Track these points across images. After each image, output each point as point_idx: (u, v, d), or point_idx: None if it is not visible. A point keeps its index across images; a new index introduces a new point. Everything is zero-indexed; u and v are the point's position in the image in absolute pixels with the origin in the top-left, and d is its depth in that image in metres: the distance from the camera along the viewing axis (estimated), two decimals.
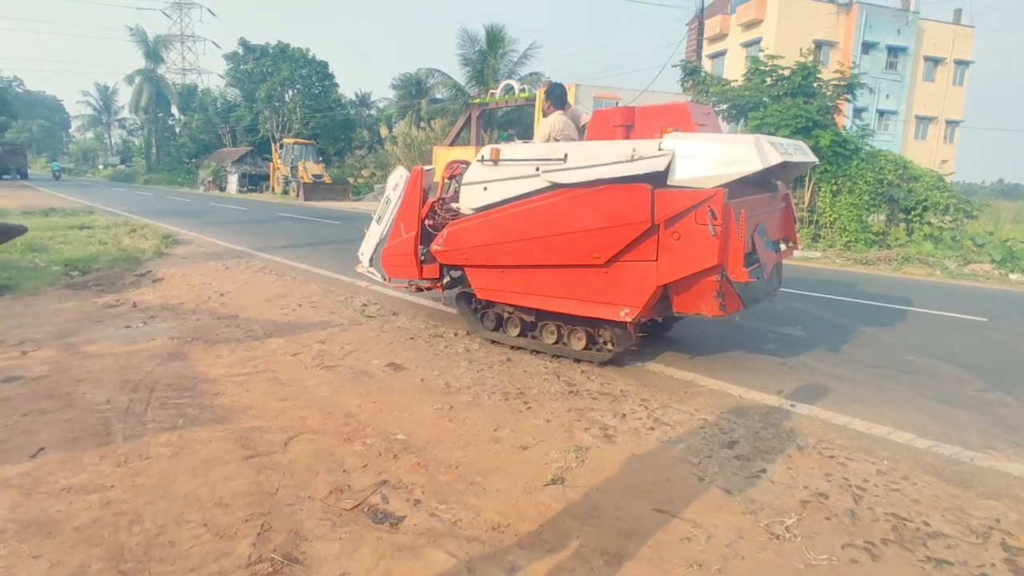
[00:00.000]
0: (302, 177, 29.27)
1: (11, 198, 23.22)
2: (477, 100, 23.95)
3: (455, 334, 5.24)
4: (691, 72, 15.64)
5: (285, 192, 31.73)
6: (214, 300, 6.39)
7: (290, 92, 37.39)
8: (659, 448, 3.23)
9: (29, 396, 3.62)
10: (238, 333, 5.16)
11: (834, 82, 13.46)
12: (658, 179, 3.79)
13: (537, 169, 4.23)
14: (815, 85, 13.48)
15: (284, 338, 5.04)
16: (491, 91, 23.05)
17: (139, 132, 56.87)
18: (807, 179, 13.66)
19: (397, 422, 3.46)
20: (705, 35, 18.07)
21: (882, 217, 13.23)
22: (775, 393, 4.08)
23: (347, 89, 52.71)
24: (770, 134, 13.39)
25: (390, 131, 33.82)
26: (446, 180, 5.17)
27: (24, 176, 42.58)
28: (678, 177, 3.75)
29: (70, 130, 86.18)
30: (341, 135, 38.00)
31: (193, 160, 44.51)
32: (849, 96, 13.48)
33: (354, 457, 3.02)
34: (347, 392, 3.88)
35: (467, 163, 5.00)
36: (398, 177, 5.55)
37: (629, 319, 4.05)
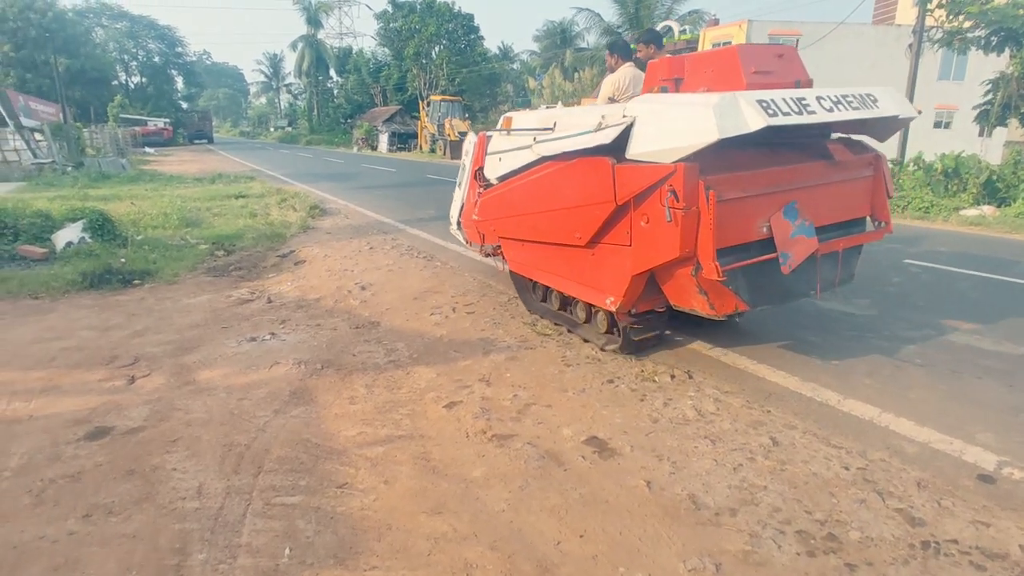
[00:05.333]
0: (448, 135, 28.72)
1: (195, 162, 25.31)
2: (632, 46, 21.31)
3: (671, 377, 3.60)
4: None
5: (432, 150, 31.53)
6: (354, 295, 5.34)
7: (436, 48, 36.99)
8: None
9: (106, 471, 2.63)
10: (378, 355, 3.98)
11: None
12: (621, 152, 3.23)
13: (534, 139, 3.91)
14: None
15: (435, 368, 3.75)
16: None
17: (303, 96, 60.70)
18: None
19: None
20: None
21: None
22: None
23: (491, 43, 51.62)
24: None
25: (538, 83, 32.03)
26: None
27: (210, 140, 47.40)
28: (633, 151, 3.16)
29: (249, 96, 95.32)
30: (486, 90, 37.15)
31: (348, 120, 46.39)
32: None
33: None
34: (533, 506, 2.43)
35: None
36: (468, 143, 5.31)
37: (613, 308, 3.59)
